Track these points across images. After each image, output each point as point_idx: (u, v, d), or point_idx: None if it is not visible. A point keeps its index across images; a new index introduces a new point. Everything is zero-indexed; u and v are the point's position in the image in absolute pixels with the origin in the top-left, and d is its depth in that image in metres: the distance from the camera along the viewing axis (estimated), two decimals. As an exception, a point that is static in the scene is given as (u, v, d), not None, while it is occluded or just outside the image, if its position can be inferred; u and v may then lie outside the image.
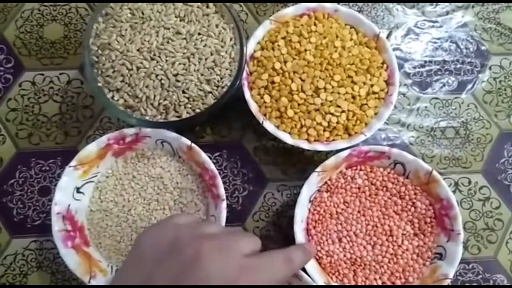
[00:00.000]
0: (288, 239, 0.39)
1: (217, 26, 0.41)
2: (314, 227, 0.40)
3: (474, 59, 0.49)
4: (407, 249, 0.39)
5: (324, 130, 0.40)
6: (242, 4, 0.49)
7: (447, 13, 0.51)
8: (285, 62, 0.41)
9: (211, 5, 0.41)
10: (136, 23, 0.39)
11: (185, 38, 0.39)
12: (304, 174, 0.40)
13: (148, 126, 0.39)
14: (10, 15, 0.48)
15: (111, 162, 0.42)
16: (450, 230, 0.38)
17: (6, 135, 0.45)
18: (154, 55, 0.39)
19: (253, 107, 0.41)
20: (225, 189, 0.42)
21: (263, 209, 0.44)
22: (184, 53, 0.39)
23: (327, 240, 0.40)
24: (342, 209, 0.40)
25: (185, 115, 0.39)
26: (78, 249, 0.38)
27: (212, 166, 0.39)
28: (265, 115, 0.41)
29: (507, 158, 0.47)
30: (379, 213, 0.40)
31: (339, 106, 0.40)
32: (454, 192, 0.45)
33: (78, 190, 0.40)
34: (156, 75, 0.38)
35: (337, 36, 0.42)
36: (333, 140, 0.41)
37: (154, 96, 0.39)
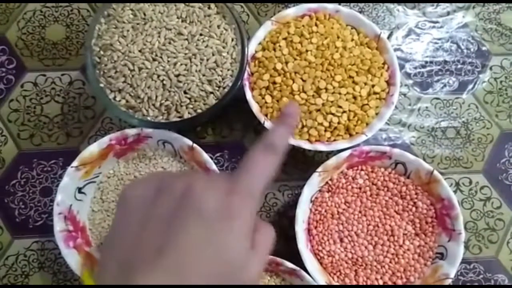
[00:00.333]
0: (289, 239, 0.39)
1: (218, 27, 0.41)
2: (316, 227, 0.40)
3: (475, 59, 0.50)
4: (408, 249, 0.39)
5: (325, 130, 0.40)
6: (243, 5, 0.50)
7: (448, 13, 0.51)
8: (286, 62, 0.41)
9: (212, 6, 0.41)
10: (138, 24, 0.39)
11: (186, 39, 0.39)
12: (305, 174, 0.40)
13: (149, 127, 0.39)
14: (12, 16, 0.48)
15: (112, 163, 0.42)
16: (451, 230, 0.38)
17: (8, 136, 0.45)
18: (156, 55, 0.39)
19: (255, 107, 0.41)
20: (227, 189, 0.42)
21: (265, 209, 0.44)
22: (185, 54, 0.39)
23: (328, 240, 0.40)
24: (344, 209, 0.40)
25: (186, 116, 0.39)
26: (79, 250, 0.38)
27: (214, 167, 0.39)
28: (266, 115, 0.41)
29: (508, 158, 0.47)
30: (380, 213, 0.40)
31: (340, 107, 0.40)
32: (455, 192, 0.45)
33: (79, 190, 0.40)
34: (158, 76, 0.38)
35: (338, 37, 0.42)
36: (334, 140, 0.41)
37: (156, 96, 0.39)
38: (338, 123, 0.40)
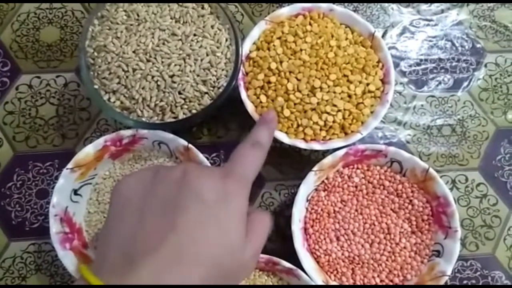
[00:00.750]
0: (286, 239, 0.40)
1: (212, 27, 0.41)
2: (312, 226, 0.40)
3: (469, 57, 0.50)
4: (404, 247, 0.39)
5: (321, 129, 0.40)
6: (237, 4, 0.50)
7: (442, 11, 0.51)
8: (281, 62, 0.41)
9: (206, 6, 0.41)
10: (131, 25, 0.39)
11: (180, 39, 0.39)
12: (301, 173, 0.40)
13: (144, 128, 0.39)
14: (6, 18, 0.48)
15: (108, 164, 0.42)
16: (448, 228, 0.39)
17: (3, 138, 0.45)
18: (150, 56, 0.39)
19: (250, 107, 0.41)
20: (223, 189, 0.42)
21: (261, 209, 0.44)
22: (179, 54, 0.39)
23: (325, 239, 0.40)
24: (340, 208, 0.40)
25: (181, 116, 0.39)
26: (76, 251, 0.38)
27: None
28: (261, 115, 0.41)
29: (504, 155, 0.47)
30: (376, 211, 0.40)
31: (335, 105, 0.40)
32: (451, 189, 0.45)
33: (75, 192, 0.40)
34: (152, 77, 0.38)
35: (332, 36, 0.42)
36: (330, 139, 0.41)
37: (151, 97, 0.39)
38: (333, 122, 0.40)
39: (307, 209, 0.41)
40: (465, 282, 0.43)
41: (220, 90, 0.40)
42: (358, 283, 0.39)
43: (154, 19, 0.39)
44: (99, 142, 0.39)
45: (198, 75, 0.39)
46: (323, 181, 0.41)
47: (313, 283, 0.37)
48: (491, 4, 0.51)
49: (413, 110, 0.48)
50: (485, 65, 0.49)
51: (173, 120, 0.39)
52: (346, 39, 0.42)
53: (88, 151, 0.39)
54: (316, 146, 0.40)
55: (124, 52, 0.39)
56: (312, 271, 0.38)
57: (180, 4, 0.41)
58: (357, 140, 0.40)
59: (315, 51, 0.41)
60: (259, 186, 0.45)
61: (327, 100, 0.40)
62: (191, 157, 0.40)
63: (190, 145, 0.39)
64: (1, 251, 0.43)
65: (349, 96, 0.40)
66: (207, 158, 0.39)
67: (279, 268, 0.38)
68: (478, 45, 0.50)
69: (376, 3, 0.51)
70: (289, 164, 0.45)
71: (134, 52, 0.39)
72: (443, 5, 0.51)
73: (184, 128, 0.45)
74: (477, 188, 0.46)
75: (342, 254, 0.39)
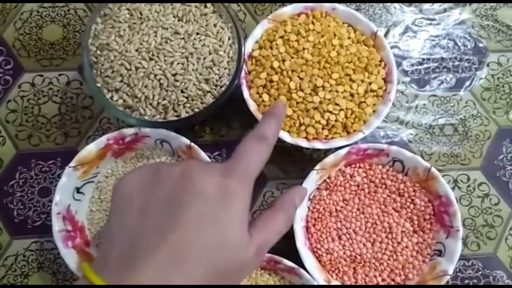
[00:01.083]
0: (287, 237, 0.39)
1: (215, 25, 0.41)
2: (314, 225, 0.40)
3: (472, 56, 0.50)
4: (406, 246, 0.39)
5: (323, 128, 0.40)
6: (240, 3, 0.50)
7: (445, 10, 0.51)
8: (283, 61, 0.41)
9: (209, 5, 0.41)
10: (134, 23, 0.39)
11: (183, 38, 0.39)
12: (303, 172, 0.40)
13: (147, 126, 0.39)
14: (9, 17, 0.48)
15: (110, 162, 0.42)
16: (449, 227, 0.39)
17: (6, 136, 0.45)
18: (153, 55, 0.39)
19: (252, 106, 0.41)
20: (225, 188, 0.42)
21: (263, 208, 0.44)
22: (182, 53, 0.39)
23: (326, 238, 0.40)
24: (342, 207, 0.40)
25: (184, 115, 0.39)
26: (78, 249, 0.38)
27: (212, 165, 0.39)
28: (263, 114, 0.41)
29: (506, 154, 0.47)
30: (378, 211, 0.40)
31: (337, 104, 0.40)
32: (453, 189, 0.45)
33: (78, 190, 0.40)
34: (155, 75, 0.39)
35: (334, 35, 0.42)
36: (332, 138, 0.41)
37: (153, 96, 0.39)
38: (336, 121, 0.40)
39: (309, 208, 0.41)
40: (466, 281, 0.43)
41: (223, 88, 0.40)
42: (359, 282, 0.39)
43: (157, 17, 0.40)
44: (102, 141, 0.39)
45: (200, 74, 0.39)
46: (325, 180, 0.41)
47: (315, 282, 0.37)
48: (494, 4, 0.51)
49: (415, 110, 0.48)
50: (488, 65, 0.49)
51: (175, 118, 0.39)
52: (349, 38, 0.42)
53: (90, 149, 0.39)
54: (318, 145, 0.40)
55: (127, 51, 0.39)
56: (314, 270, 0.38)
57: (183, 2, 0.41)
58: (359, 139, 0.40)
59: (318, 50, 0.41)
60: (261, 185, 0.45)
61: (329, 99, 0.40)
62: (193, 156, 0.40)
63: (192, 144, 0.39)
64: (3, 249, 0.43)
65: (352, 95, 0.40)
66: (209, 157, 0.39)
67: (280, 267, 0.38)
68: (481, 45, 0.50)
69: (378, 2, 0.51)
70: (291, 163, 0.45)
71: (137, 50, 0.39)
72: (446, 4, 0.51)
73: (187, 127, 0.45)
74: (479, 187, 0.46)
75: (344, 253, 0.39)
